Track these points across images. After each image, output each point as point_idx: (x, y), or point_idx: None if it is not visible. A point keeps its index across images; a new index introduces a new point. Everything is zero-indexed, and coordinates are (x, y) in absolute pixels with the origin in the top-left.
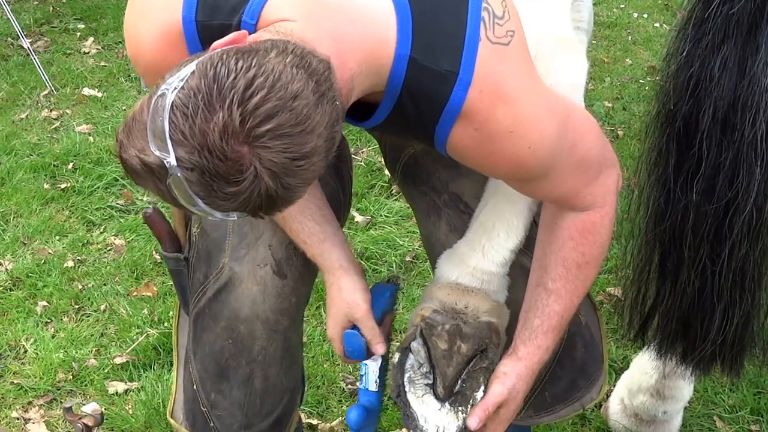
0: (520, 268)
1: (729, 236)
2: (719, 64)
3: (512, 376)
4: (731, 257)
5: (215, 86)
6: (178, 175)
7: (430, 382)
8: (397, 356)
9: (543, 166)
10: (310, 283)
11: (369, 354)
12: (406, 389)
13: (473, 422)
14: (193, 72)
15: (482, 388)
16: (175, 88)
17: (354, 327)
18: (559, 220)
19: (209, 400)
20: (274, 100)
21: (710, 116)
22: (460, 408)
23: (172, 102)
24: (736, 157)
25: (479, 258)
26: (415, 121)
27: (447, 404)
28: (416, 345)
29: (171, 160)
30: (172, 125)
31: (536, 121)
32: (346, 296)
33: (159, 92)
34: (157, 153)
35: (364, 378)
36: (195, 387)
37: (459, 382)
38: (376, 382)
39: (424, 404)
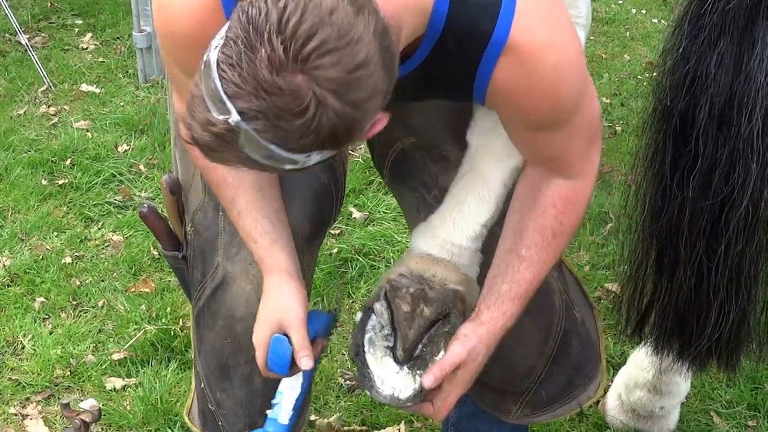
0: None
1: (725, 232)
2: (715, 61)
3: (473, 338)
4: (727, 254)
5: (250, 27)
6: (246, 127)
7: (391, 344)
8: (359, 316)
9: (573, 107)
10: (306, 280)
11: (292, 371)
12: (366, 349)
13: (428, 380)
14: (229, 26)
15: (442, 353)
16: (216, 47)
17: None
18: (544, 187)
19: (215, 399)
20: (311, 19)
21: (706, 112)
22: (418, 372)
23: (217, 59)
24: (732, 154)
25: (450, 230)
26: (456, 60)
27: (405, 367)
28: (379, 306)
29: (234, 116)
30: (223, 81)
31: (574, 56)
32: (284, 301)
33: (204, 60)
34: (220, 117)
35: (276, 407)
36: (202, 386)
37: (419, 346)
38: (289, 414)
39: (382, 365)
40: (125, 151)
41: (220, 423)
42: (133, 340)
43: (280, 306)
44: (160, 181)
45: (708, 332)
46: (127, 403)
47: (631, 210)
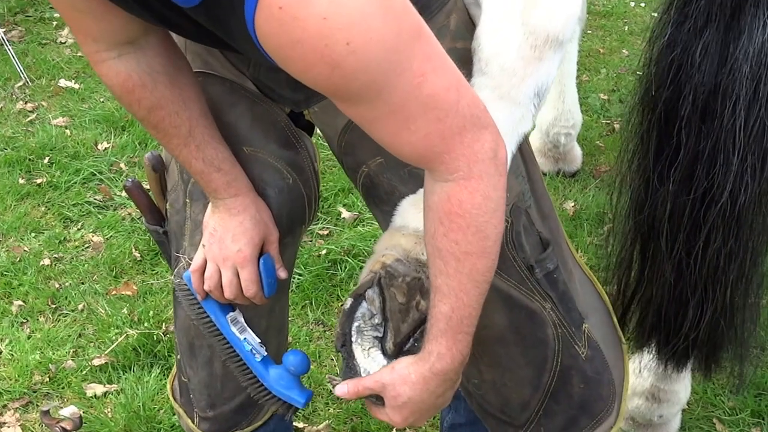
0: (494, 291)
1: (703, 228)
2: (701, 49)
3: (395, 374)
4: (705, 250)
5: None
6: None
7: (380, 335)
8: (348, 302)
9: (370, 78)
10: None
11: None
12: (353, 339)
13: (340, 389)
14: None
15: None
16: None
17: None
18: (429, 199)
19: (186, 373)
20: None
21: (690, 103)
22: None
23: None
24: (714, 146)
25: None
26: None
27: (393, 361)
28: (372, 293)
29: None
30: None
31: (361, 15)
32: (264, 217)
33: None
34: None
35: (251, 347)
36: (179, 357)
37: (411, 340)
38: (258, 341)
39: (369, 358)
40: (105, 149)
41: (191, 396)
42: (115, 344)
43: (264, 223)
44: (143, 155)
45: (685, 330)
46: (109, 410)
47: (616, 202)
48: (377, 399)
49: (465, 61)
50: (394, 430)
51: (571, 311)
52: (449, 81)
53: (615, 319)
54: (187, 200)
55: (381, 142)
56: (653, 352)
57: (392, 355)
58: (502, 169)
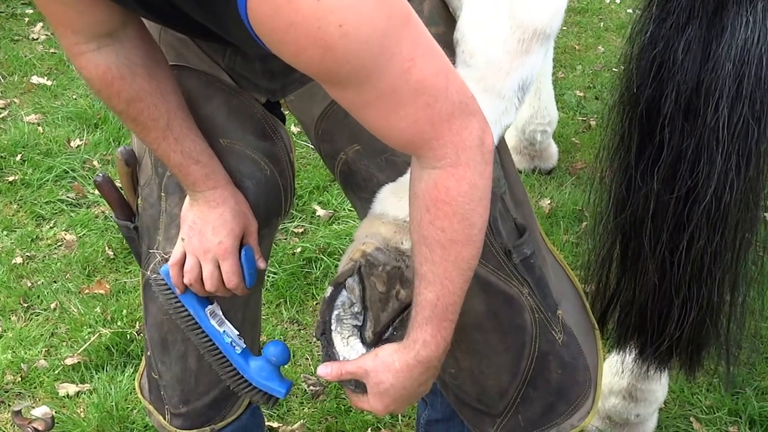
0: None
1: (687, 227)
2: (683, 46)
3: (379, 361)
4: (689, 250)
5: None
6: None
7: (359, 323)
8: (329, 290)
9: (361, 62)
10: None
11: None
12: (333, 327)
13: (323, 369)
14: None
15: None
16: None
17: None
18: (416, 186)
19: (158, 369)
20: None
21: (673, 100)
22: None
23: None
24: (698, 145)
25: None
26: None
27: (372, 350)
28: (352, 282)
29: None
30: None
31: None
32: (243, 208)
33: None
34: None
35: (231, 340)
36: (149, 353)
37: (390, 329)
38: (237, 334)
39: (348, 347)
40: (78, 146)
41: (161, 393)
42: (87, 344)
43: (245, 214)
44: (116, 152)
45: (669, 330)
46: (81, 410)
47: (596, 202)
48: (357, 387)
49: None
50: (369, 430)
51: (547, 297)
52: (438, 67)
53: (587, 306)
54: (162, 194)
55: (370, 127)
56: (635, 352)
57: (371, 344)
58: (488, 157)
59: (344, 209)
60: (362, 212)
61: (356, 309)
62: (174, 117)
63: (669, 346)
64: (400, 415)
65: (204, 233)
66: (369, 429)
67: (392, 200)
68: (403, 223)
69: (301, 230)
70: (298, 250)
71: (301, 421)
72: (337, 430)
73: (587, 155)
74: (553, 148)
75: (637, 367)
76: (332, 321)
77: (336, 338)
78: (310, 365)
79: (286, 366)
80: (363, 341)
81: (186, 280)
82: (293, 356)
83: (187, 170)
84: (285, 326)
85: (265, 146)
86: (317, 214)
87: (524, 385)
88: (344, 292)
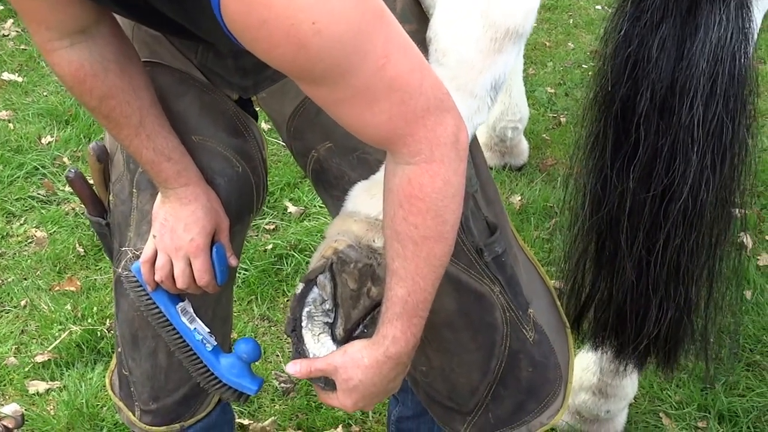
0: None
1: (664, 226)
2: (657, 44)
3: (348, 357)
4: (666, 248)
5: None
6: None
7: (330, 321)
8: (300, 287)
9: (335, 59)
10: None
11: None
12: (303, 324)
13: (291, 367)
14: None
15: None
16: None
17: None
18: (390, 182)
19: (128, 366)
20: None
21: (648, 99)
22: None
23: None
24: (673, 143)
25: None
26: None
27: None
28: (323, 279)
29: None
30: None
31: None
32: (214, 206)
33: None
34: None
35: (201, 337)
36: (119, 350)
37: (360, 326)
38: (207, 331)
39: (319, 344)
40: (49, 143)
41: (131, 389)
42: (58, 341)
43: (215, 210)
44: (87, 149)
45: (647, 330)
46: (51, 407)
47: (572, 201)
48: (326, 384)
49: None
50: (340, 427)
51: (518, 295)
52: (412, 63)
53: (558, 304)
54: (134, 190)
55: (344, 124)
56: (613, 352)
57: (342, 341)
58: (462, 154)
59: (315, 206)
60: (334, 210)
61: (327, 306)
62: (146, 114)
63: (647, 345)
64: (371, 412)
65: (176, 230)
66: (340, 426)
67: (364, 198)
68: (375, 221)
69: (272, 227)
70: (270, 246)
71: (272, 417)
72: (308, 426)
73: (558, 152)
74: (524, 145)
75: (615, 366)
76: (303, 318)
77: (306, 335)
78: (281, 362)
79: (257, 363)
80: (334, 338)
81: (157, 278)
82: (264, 353)
83: (159, 167)
84: (256, 323)
85: (237, 143)
86: (288, 210)
87: (495, 383)
88: (315, 289)
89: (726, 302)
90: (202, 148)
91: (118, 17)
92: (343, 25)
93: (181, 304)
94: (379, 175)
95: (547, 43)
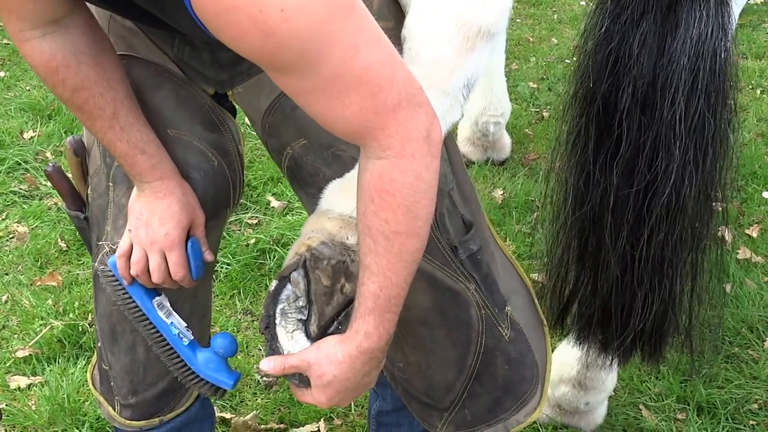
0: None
1: (647, 221)
2: (638, 41)
3: (321, 353)
4: (650, 243)
5: None
6: None
7: (304, 317)
8: (273, 284)
9: (303, 47)
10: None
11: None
12: (277, 321)
13: (265, 364)
14: None
15: None
16: None
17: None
18: (362, 177)
19: (107, 360)
20: None
21: (630, 95)
22: None
23: None
24: (656, 138)
25: None
26: None
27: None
28: (297, 276)
29: None
30: None
31: None
32: (190, 200)
33: None
34: None
35: (178, 331)
36: (99, 344)
37: (334, 323)
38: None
39: (293, 341)
40: (31, 137)
41: (111, 384)
42: (39, 336)
43: (191, 206)
44: (65, 142)
45: (633, 324)
46: (32, 402)
47: (554, 196)
48: (301, 381)
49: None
50: (322, 421)
51: (494, 293)
52: (384, 56)
53: (537, 302)
54: (111, 184)
55: (314, 116)
56: (598, 347)
57: (315, 338)
58: (435, 151)
59: (298, 200)
60: (309, 207)
61: (301, 303)
62: (120, 106)
63: (633, 339)
64: (353, 405)
65: (151, 224)
66: (322, 419)
67: (338, 196)
68: (349, 219)
69: (255, 221)
70: (252, 241)
71: (254, 411)
72: (291, 420)
73: (540, 146)
74: (506, 139)
75: (600, 361)
76: (276, 315)
77: (280, 332)
78: (263, 356)
79: (238, 357)
80: (307, 335)
81: (133, 272)
82: (247, 347)
83: (133, 160)
84: (239, 317)
85: (213, 137)
86: (271, 205)
87: (470, 380)
88: (289, 286)
89: (708, 295)
90: (177, 141)
91: (93, 9)
92: (311, 12)
93: (157, 298)
94: (353, 173)
95: (531, 39)
